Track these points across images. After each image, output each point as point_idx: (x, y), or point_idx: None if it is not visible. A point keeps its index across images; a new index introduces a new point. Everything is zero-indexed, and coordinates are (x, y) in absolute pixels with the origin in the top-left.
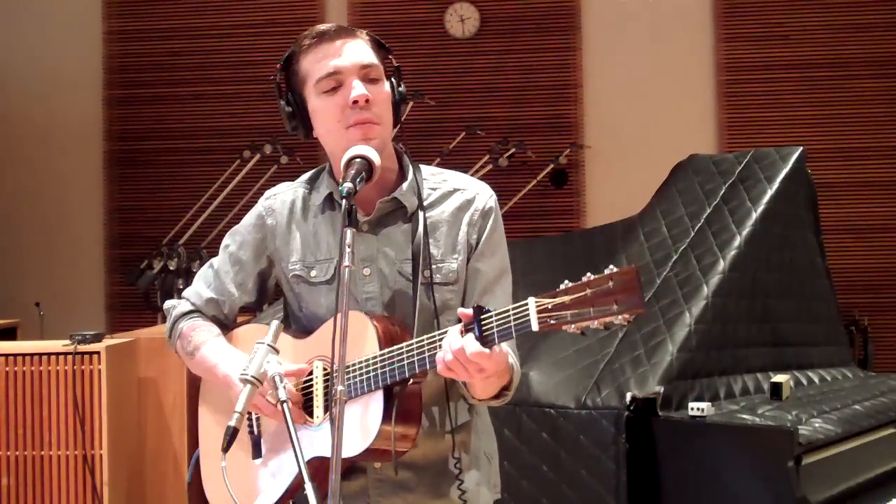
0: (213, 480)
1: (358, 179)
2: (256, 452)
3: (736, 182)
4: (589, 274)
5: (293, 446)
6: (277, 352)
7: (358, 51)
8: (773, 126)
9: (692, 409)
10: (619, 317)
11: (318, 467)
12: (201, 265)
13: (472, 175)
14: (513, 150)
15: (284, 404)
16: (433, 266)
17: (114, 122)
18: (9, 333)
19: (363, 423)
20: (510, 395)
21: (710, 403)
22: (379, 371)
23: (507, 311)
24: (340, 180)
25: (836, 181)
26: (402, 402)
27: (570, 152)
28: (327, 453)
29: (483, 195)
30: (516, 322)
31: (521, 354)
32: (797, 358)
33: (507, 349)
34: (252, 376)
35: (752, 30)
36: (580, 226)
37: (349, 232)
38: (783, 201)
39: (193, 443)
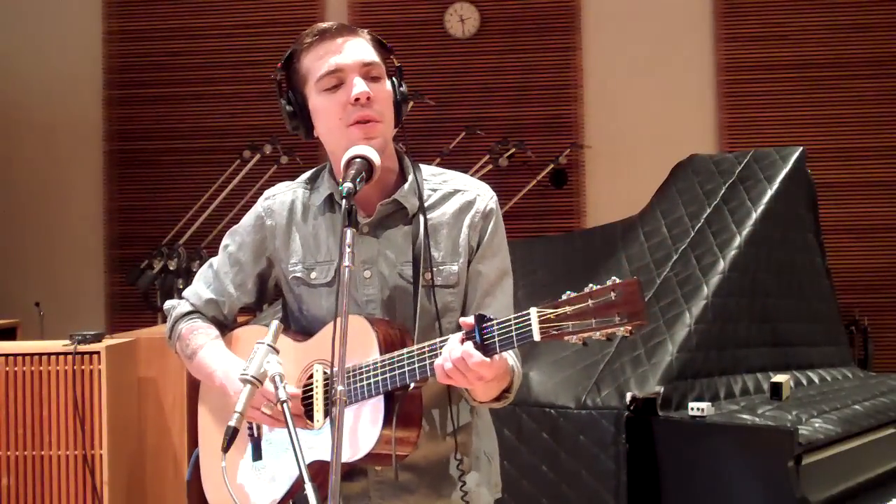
0: (212, 480)
1: (358, 179)
2: (257, 454)
3: (736, 182)
4: (591, 285)
5: (293, 446)
6: (277, 352)
7: (359, 49)
8: (773, 126)
9: (692, 409)
10: (622, 328)
11: (319, 470)
12: (201, 265)
13: (472, 175)
14: (513, 150)
15: (284, 404)
16: (434, 269)
17: (114, 122)
18: (9, 333)
19: (364, 427)
20: (511, 396)
21: (710, 403)
22: (379, 377)
23: (509, 320)
24: (340, 180)
25: (836, 181)
26: (402, 406)
27: (570, 152)
28: (328, 457)
29: (484, 197)
30: (518, 332)
31: (521, 354)
32: (797, 358)
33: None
34: (252, 376)
35: (752, 30)
36: (580, 226)
37: (349, 232)
38: (783, 201)
39: (193, 442)
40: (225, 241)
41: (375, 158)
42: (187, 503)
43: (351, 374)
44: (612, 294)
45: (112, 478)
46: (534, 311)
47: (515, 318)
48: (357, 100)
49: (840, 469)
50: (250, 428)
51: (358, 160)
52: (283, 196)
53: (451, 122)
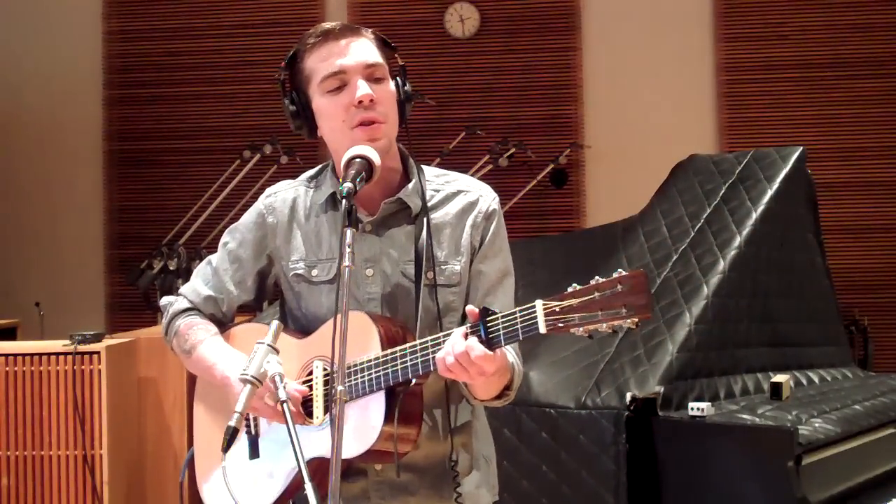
0: (208, 479)
1: (358, 179)
2: (254, 452)
3: (736, 182)
4: (597, 277)
5: (293, 446)
6: (277, 352)
7: (363, 50)
8: (773, 126)
9: (692, 409)
10: (628, 320)
11: (318, 468)
12: None
13: (472, 175)
14: (513, 150)
15: (284, 404)
16: (436, 268)
17: (114, 122)
18: (9, 333)
19: (364, 423)
20: (512, 394)
21: (710, 403)
22: (381, 372)
23: (514, 313)
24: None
25: (836, 181)
26: (403, 402)
27: (570, 152)
28: (327, 454)
29: (486, 197)
30: (523, 324)
31: (522, 354)
32: (797, 358)
33: (507, 348)
34: (252, 376)
35: (752, 30)
36: (580, 226)
37: (349, 232)
38: (783, 201)
39: (192, 443)
40: (224, 238)
41: (375, 158)
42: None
43: (352, 369)
44: (619, 286)
45: (112, 478)
46: (539, 304)
47: (521, 311)
48: (360, 102)
49: (840, 469)
50: (248, 426)
51: (358, 160)
52: (284, 194)
53: (451, 122)
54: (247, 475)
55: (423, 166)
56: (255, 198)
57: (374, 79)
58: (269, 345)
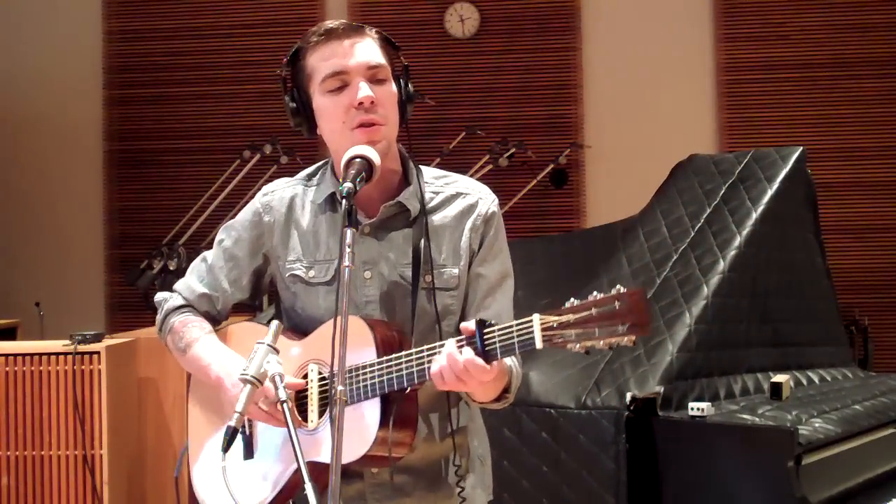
0: (202, 476)
1: (358, 179)
2: (248, 453)
3: (736, 182)
4: (595, 293)
5: (293, 446)
6: (277, 352)
7: (366, 51)
8: (773, 126)
9: (692, 409)
10: (625, 338)
11: (311, 472)
12: None
13: (471, 175)
14: (513, 150)
15: (284, 405)
16: (434, 271)
17: (114, 122)
18: (9, 333)
19: (360, 429)
20: (511, 397)
21: (710, 403)
22: (376, 379)
23: (511, 326)
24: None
25: (836, 181)
26: (399, 408)
27: (570, 152)
28: (320, 458)
29: (486, 200)
30: (520, 338)
31: (521, 354)
32: (797, 358)
33: None
34: (252, 376)
35: (752, 30)
36: (580, 226)
37: (349, 232)
38: (783, 201)
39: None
40: (220, 235)
41: (375, 158)
42: (177, 500)
43: (347, 375)
44: (617, 303)
45: (112, 478)
46: (536, 318)
47: (517, 325)
48: (360, 104)
49: (840, 469)
50: (242, 426)
51: (358, 160)
52: (282, 192)
53: (451, 122)
54: (241, 475)
55: (422, 167)
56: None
57: (375, 80)
58: (269, 345)
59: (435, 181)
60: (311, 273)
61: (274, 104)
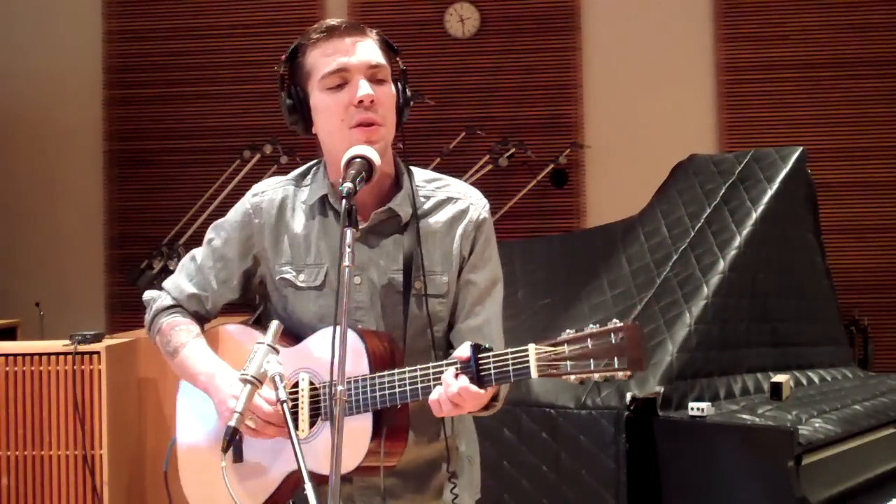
0: (188, 474)
1: (358, 179)
2: (237, 456)
3: (736, 182)
4: (591, 325)
5: (293, 446)
6: (277, 352)
7: (367, 50)
8: (773, 126)
9: (692, 409)
10: (620, 372)
11: (298, 482)
12: None
13: (471, 175)
14: (513, 150)
15: (284, 405)
16: (424, 278)
17: (114, 122)
18: (9, 333)
19: (351, 441)
20: (499, 404)
21: (710, 403)
22: (368, 395)
23: (506, 354)
24: (339, 180)
25: (836, 181)
26: (390, 419)
27: (570, 152)
28: (310, 467)
29: (476, 206)
30: (515, 368)
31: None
32: (797, 358)
33: None
34: (252, 376)
35: (752, 30)
36: (580, 226)
37: (349, 232)
38: (783, 201)
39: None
40: (209, 234)
41: (376, 159)
42: (167, 493)
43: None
44: (612, 337)
45: (112, 478)
46: (532, 349)
47: (513, 353)
48: (360, 102)
49: (840, 469)
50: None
51: (358, 160)
52: (272, 193)
53: (451, 122)
54: (231, 477)
55: (414, 169)
56: None
57: (375, 80)
58: (268, 345)
59: (426, 185)
60: (301, 277)
61: (274, 104)
